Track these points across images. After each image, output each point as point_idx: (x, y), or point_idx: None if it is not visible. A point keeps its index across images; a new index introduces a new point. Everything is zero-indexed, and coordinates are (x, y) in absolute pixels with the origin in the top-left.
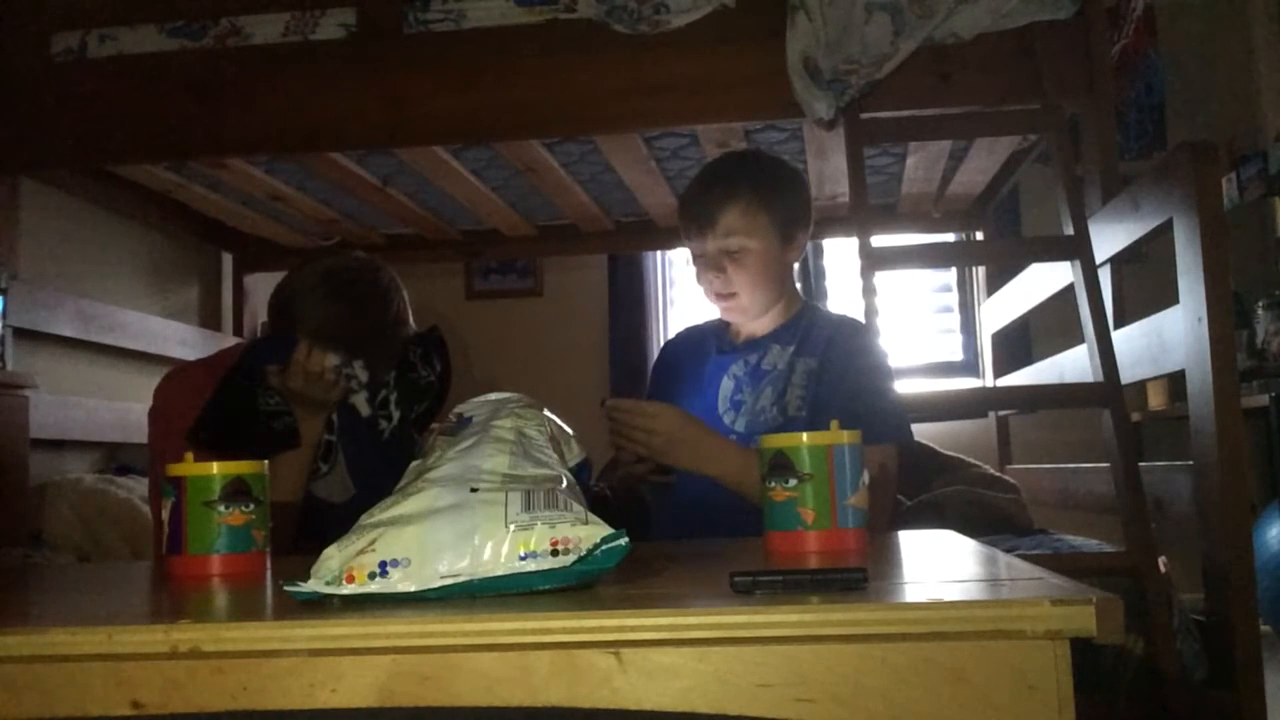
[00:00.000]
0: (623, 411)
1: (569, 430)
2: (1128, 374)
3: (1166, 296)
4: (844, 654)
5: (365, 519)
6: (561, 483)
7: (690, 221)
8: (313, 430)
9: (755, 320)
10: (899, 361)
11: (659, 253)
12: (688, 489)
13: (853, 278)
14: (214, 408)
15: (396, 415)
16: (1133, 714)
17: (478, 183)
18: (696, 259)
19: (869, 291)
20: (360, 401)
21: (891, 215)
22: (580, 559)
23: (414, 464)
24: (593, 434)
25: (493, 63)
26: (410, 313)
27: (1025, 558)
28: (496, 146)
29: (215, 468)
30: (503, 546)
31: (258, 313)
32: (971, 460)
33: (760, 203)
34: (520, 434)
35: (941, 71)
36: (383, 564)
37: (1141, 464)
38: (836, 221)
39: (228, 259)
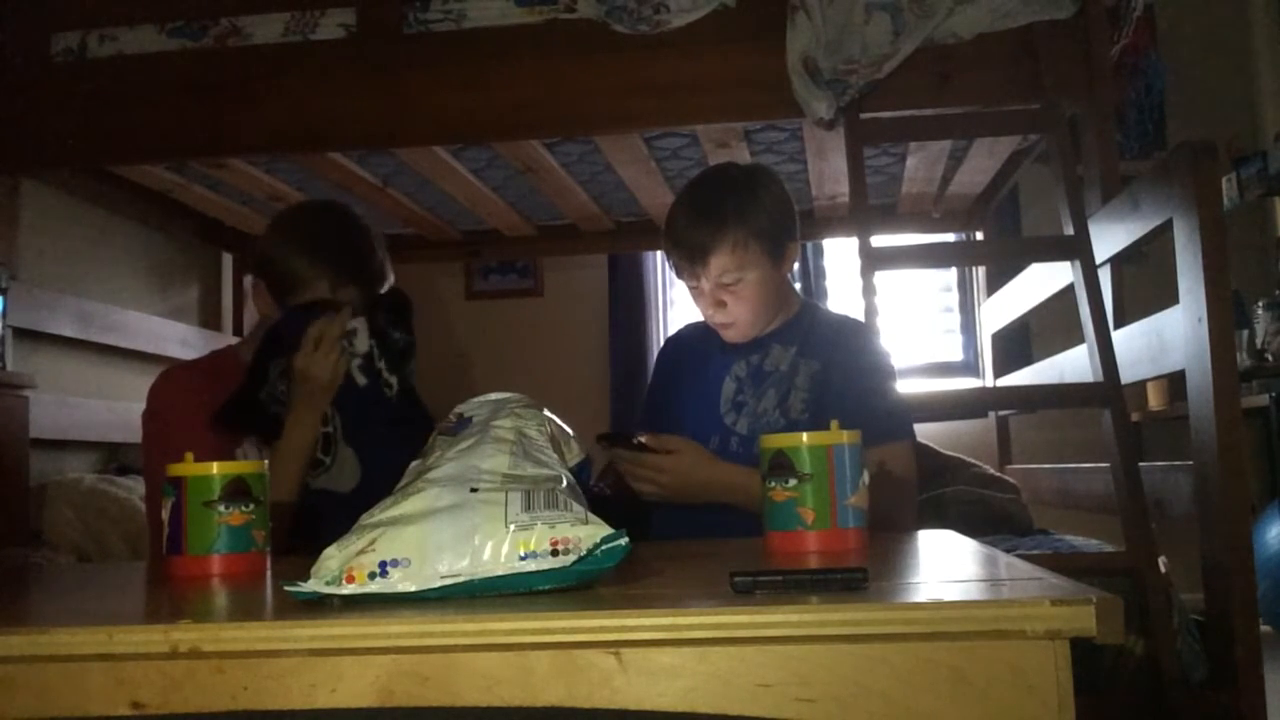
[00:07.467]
0: (626, 461)
1: (569, 430)
2: (1128, 374)
3: (1166, 296)
4: (844, 654)
5: (365, 519)
6: (561, 483)
7: (680, 259)
8: (311, 428)
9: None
10: (899, 361)
11: (659, 253)
12: None
13: (853, 278)
14: (246, 389)
15: (395, 381)
16: (1133, 714)
17: (478, 183)
18: (692, 289)
19: (869, 291)
20: (356, 371)
21: (891, 215)
22: (580, 559)
23: (414, 464)
24: (593, 434)
25: (493, 63)
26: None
27: (1025, 558)
28: (496, 146)
29: (215, 468)
30: (503, 546)
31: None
32: (971, 460)
33: (747, 231)
34: (520, 434)
35: (941, 71)
36: (383, 564)
37: (1141, 464)
38: (836, 221)
39: (228, 259)
